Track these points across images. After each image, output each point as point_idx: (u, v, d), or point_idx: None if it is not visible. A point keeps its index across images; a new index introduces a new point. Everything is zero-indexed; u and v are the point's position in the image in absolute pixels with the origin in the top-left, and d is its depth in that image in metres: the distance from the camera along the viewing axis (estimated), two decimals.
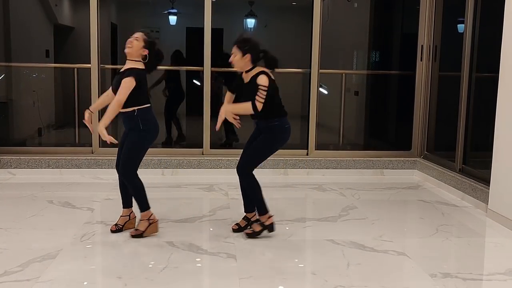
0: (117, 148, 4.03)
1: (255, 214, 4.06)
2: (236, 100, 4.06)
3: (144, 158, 5.92)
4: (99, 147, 6.09)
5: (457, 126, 5.52)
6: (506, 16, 4.41)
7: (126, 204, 4.07)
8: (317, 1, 6.08)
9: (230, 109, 3.89)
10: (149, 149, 6.17)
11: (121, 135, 3.99)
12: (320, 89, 6.37)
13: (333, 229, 4.24)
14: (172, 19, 9.19)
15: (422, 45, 6.26)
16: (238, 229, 4.06)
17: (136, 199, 3.93)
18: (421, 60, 6.28)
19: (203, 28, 6.05)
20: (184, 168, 5.94)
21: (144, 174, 5.94)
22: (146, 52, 3.80)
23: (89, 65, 6.02)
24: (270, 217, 3.97)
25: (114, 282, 3.15)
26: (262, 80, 3.72)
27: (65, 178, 5.73)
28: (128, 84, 3.67)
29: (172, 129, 7.29)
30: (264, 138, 3.93)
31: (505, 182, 4.37)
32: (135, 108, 3.76)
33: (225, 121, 3.95)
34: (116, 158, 4.04)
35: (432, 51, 6.17)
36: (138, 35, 3.80)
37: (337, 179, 5.87)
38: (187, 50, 8.64)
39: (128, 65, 3.78)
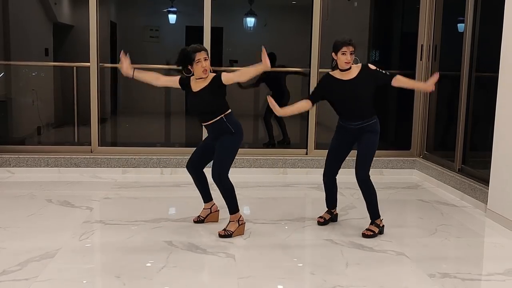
0: (194, 149, 4.21)
1: None
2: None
3: (143, 157, 5.97)
4: (98, 146, 6.09)
5: (457, 126, 5.51)
6: (506, 15, 4.40)
7: (206, 198, 4.27)
8: (317, 0, 6.08)
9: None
10: (148, 148, 6.22)
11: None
12: None
13: (332, 228, 4.23)
14: (172, 18, 9.18)
15: (422, 45, 6.25)
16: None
17: (227, 201, 3.99)
18: (421, 60, 6.28)
19: (202, 26, 6.04)
20: (183, 167, 5.90)
21: (143, 173, 5.98)
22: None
23: (88, 63, 6.01)
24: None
25: (113, 282, 3.14)
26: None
27: (64, 177, 5.72)
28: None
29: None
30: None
31: (504, 182, 4.37)
32: (222, 115, 3.91)
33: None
34: (190, 158, 4.18)
35: (432, 50, 6.16)
36: (205, 54, 3.85)
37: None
38: None
39: (204, 81, 3.91)
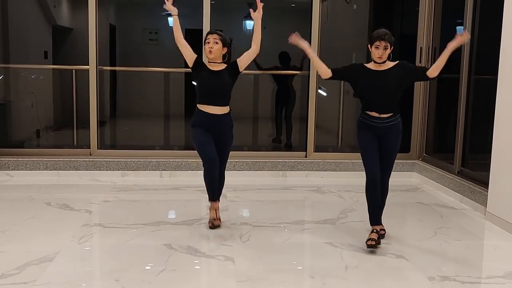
0: (206, 142, 4.05)
1: None
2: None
3: (142, 160, 5.96)
4: (97, 149, 6.08)
5: (456, 128, 5.51)
6: (505, 18, 4.40)
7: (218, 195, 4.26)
8: (316, 2, 6.08)
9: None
10: (147, 151, 6.22)
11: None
12: (319, 91, 6.36)
13: (332, 231, 4.23)
14: (171, 20, 9.16)
15: (421, 47, 6.26)
16: None
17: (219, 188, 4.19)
18: (420, 62, 6.28)
19: (201, 29, 6.04)
20: (182, 170, 5.93)
21: (142, 176, 5.97)
22: (225, 51, 4.04)
23: (88, 66, 6.01)
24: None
25: (112, 285, 3.13)
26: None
27: (63, 180, 5.71)
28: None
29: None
30: None
31: (503, 185, 4.37)
32: (229, 107, 4.08)
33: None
34: (212, 155, 4.02)
35: (431, 53, 6.16)
36: (216, 37, 3.97)
37: (336, 182, 5.86)
38: None
39: (221, 65, 4.05)
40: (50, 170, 5.83)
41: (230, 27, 9.25)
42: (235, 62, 4.04)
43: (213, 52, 3.94)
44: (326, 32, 6.29)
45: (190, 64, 4.06)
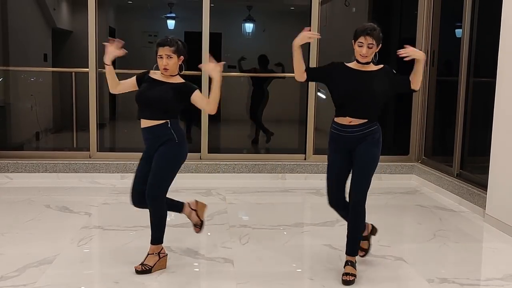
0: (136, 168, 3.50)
1: None
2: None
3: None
4: (97, 151, 6.08)
5: (455, 131, 5.52)
6: (503, 21, 4.42)
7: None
8: (315, 5, 6.10)
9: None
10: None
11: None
12: (318, 93, 6.37)
13: (331, 234, 4.23)
14: (170, 23, 9.19)
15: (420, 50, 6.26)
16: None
17: (157, 229, 3.40)
18: None
19: (201, 32, 6.05)
20: (182, 173, 5.84)
21: None
22: (181, 60, 3.40)
23: (87, 69, 6.02)
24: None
25: (111, 287, 3.14)
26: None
27: (62, 182, 5.71)
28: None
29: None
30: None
31: (502, 187, 4.38)
32: (169, 120, 3.34)
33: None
34: (135, 183, 3.44)
35: (430, 56, 6.18)
36: (169, 51, 3.30)
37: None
38: None
39: (174, 79, 3.39)
40: (50, 172, 5.83)
41: (230, 30, 9.26)
42: (190, 91, 3.33)
43: (169, 69, 3.32)
44: (325, 35, 6.29)
45: (137, 87, 3.46)
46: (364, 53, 3.19)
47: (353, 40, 3.25)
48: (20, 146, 6.95)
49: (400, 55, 3.19)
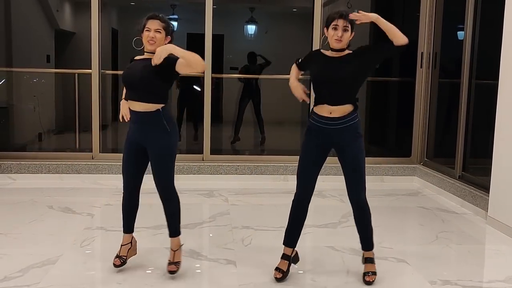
0: (124, 162, 3.39)
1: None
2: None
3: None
4: (100, 152, 6.10)
5: (457, 133, 5.52)
6: (505, 23, 4.42)
7: (131, 228, 3.52)
8: (318, 7, 6.11)
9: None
10: None
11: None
12: None
13: (333, 235, 4.24)
14: (173, 25, 9.21)
15: (422, 52, 6.27)
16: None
17: (176, 220, 3.37)
18: (421, 67, 6.29)
19: (204, 34, 6.07)
20: (184, 174, 5.93)
21: (144, 180, 5.95)
22: (168, 40, 3.27)
23: (90, 70, 6.03)
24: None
25: None
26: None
27: (65, 183, 5.72)
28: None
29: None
30: None
31: (504, 189, 4.38)
32: (160, 106, 3.18)
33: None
34: (127, 182, 3.45)
35: (432, 58, 6.18)
36: (158, 25, 3.22)
37: (337, 186, 5.83)
38: None
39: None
40: (52, 173, 5.84)
41: (232, 31, 9.28)
42: (173, 60, 3.13)
43: (156, 43, 3.17)
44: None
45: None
46: (339, 36, 3.06)
47: (325, 28, 3.14)
48: (23, 147, 6.97)
49: (351, 18, 3.05)
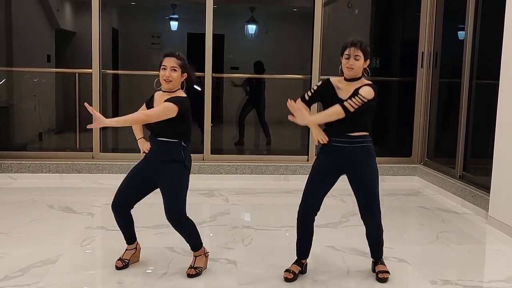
0: (126, 182, 3.53)
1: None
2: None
3: None
4: (100, 152, 6.10)
5: (458, 132, 5.52)
6: (506, 23, 4.42)
7: (132, 239, 3.53)
8: (318, 7, 6.11)
9: (319, 119, 3.21)
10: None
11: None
12: None
13: (334, 235, 4.24)
14: (173, 25, 9.22)
15: (422, 52, 6.27)
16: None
17: (191, 239, 3.36)
18: (421, 67, 6.29)
19: (204, 33, 6.07)
20: None
21: None
22: (185, 77, 3.29)
23: (90, 70, 6.03)
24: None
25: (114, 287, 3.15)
26: (366, 92, 3.09)
27: (65, 183, 5.73)
28: (167, 108, 3.15)
29: None
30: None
31: (505, 189, 4.37)
32: (182, 140, 3.33)
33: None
34: (118, 194, 3.50)
35: (433, 58, 6.18)
36: (174, 63, 3.20)
37: (338, 185, 5.80)
38: (188, 55, 8.66)
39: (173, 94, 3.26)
40: (53, 173, 5.84)
41: (233, 31, 9.28)
42: (167, 100, 3.20)
43: (172, 82, 3.20)
44: (328, 37, 6.31)
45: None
46: (350, 64, 3.09)
47: (340, 57, 3.17)
48: (24, 147, 6.97)
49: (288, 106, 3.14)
